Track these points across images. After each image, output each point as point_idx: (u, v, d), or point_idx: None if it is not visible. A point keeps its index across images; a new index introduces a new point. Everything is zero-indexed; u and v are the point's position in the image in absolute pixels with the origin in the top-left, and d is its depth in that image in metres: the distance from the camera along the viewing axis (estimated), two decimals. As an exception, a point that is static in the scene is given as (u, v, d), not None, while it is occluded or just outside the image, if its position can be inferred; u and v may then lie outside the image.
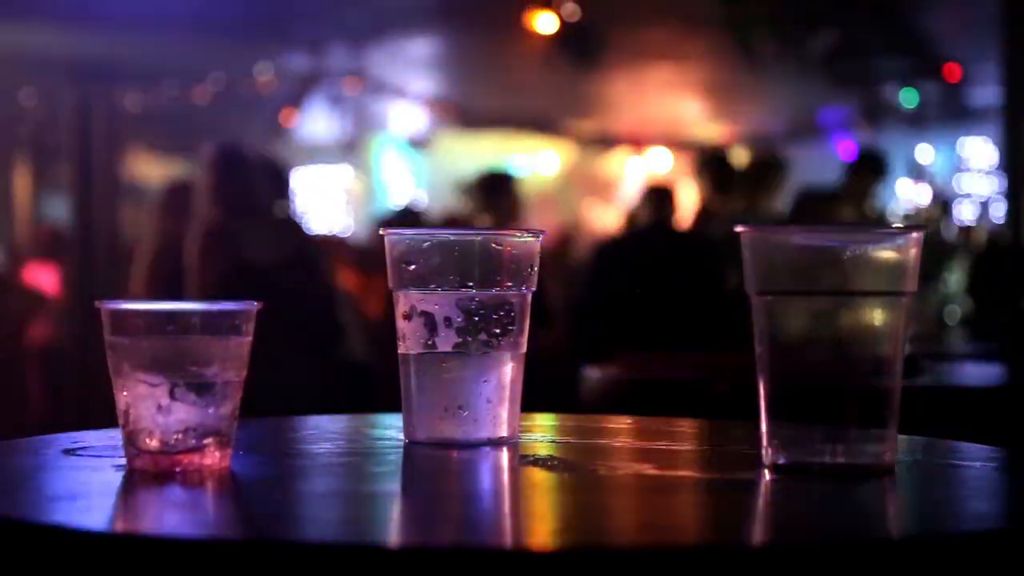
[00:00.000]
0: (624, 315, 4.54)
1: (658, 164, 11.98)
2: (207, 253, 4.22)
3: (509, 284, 1.34)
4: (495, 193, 5.39)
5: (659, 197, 5.12)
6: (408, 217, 5.78)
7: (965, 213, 9.01)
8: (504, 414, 1.34)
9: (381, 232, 1.37)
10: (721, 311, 4.50)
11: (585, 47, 7.88)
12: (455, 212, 6.18)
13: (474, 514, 1.06)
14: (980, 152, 10.58)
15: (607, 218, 10.55)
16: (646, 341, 4.12)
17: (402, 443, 1.36)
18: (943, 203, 7.23)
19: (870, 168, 6.01)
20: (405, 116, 11.15)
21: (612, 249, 5.18)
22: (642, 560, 0.87)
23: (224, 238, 4.23)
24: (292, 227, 4.50)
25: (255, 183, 4.41)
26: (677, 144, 12.15)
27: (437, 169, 11.34)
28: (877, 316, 1.16)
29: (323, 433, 1.51)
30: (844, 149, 9.35)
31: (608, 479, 1.18)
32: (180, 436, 1.16)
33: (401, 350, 1.36)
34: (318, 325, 4.31)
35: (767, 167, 5.73)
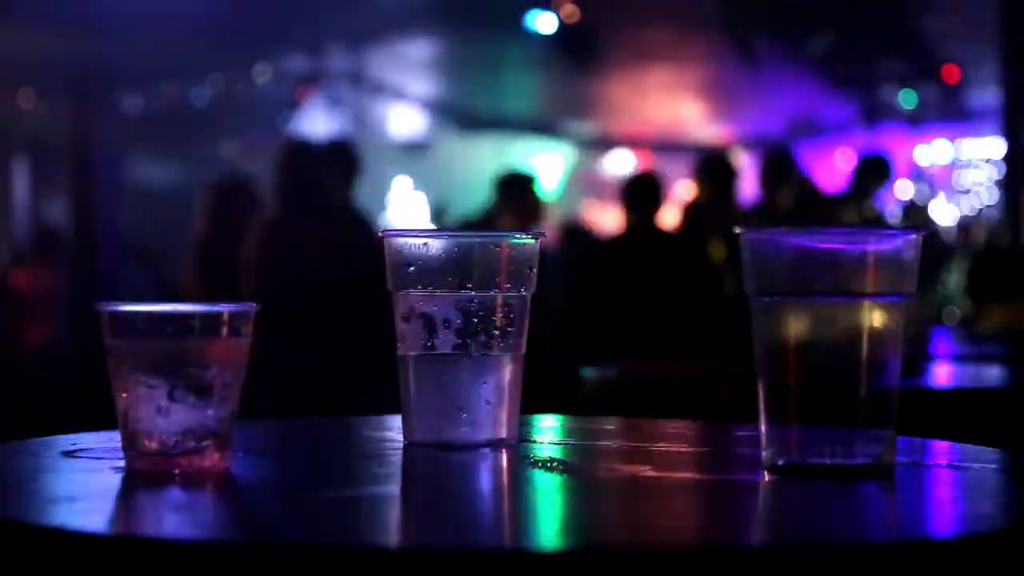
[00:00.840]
0: (609, 321, 4.45)
1: (631, 161, 11.98)
2: (263, 252, 4.20)
3: (508, 286, 1.34)
4: (516, 193, 5.33)
5: (639, 195, 4.95)
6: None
7: (964, 214, 9.01)
8: (503, 416, 1.34)
9: (380, 234, 1.37)
10: (711, 315, 4.44)
11: (584, 49, 7.88)
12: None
13: (474, 516, 1.06)
14: (979, 153, 10.58)
15: (607, 220, 10.55)
16: (635, 347, 4.05)
17: (401, 445, 1.36)
18: (923, 205, 7.24)
19: (874, 170, 6.02)
20: (404, 118, 11.16)
21: (595, 253, 5.05)
22: (641, 561, 0.87)
23: (282, 237, 4.21)
24: (359, 224, 4.39)
25: (321, 181, 4.33)
26: (676, 146, 12.16)
27: (436, 172, 11.34)
28: (876, 318, 1.16)
29: (322, 434, 1.51)
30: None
31: (608, 481, 1.18)
32: (179, 438, 1.16)
33: (400, 352, 1.35)
34: (372, 326, 4.24)
35: (779, 162, 5.70)
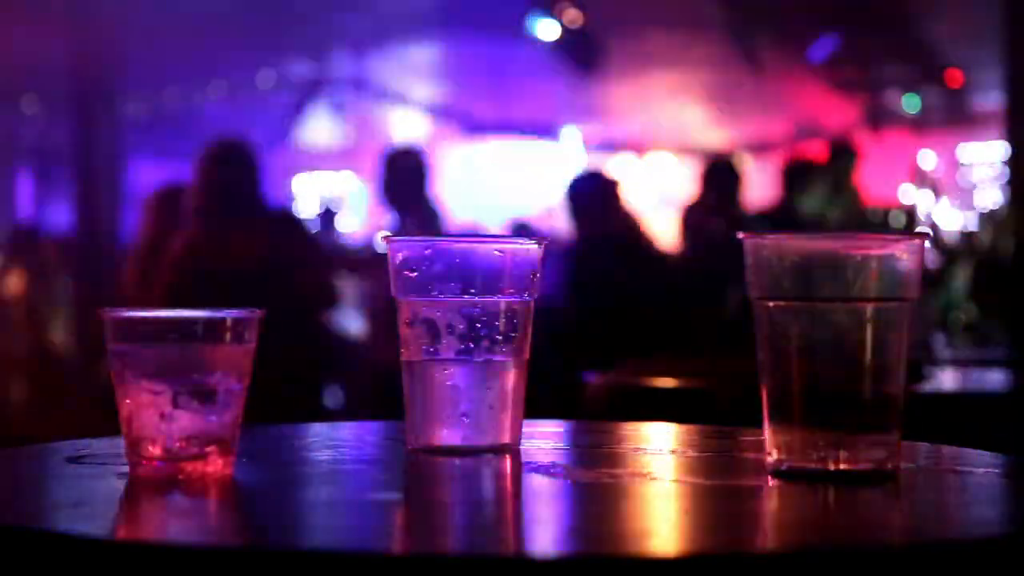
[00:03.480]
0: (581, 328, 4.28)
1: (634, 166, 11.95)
2: (179, 267, 4.05)
3: (511, 291, 1.34)
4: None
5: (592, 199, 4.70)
6: None
7: (968, 218, 9.00)
8: (507, 421, 1.34)
9: (383, 238, 1.37)
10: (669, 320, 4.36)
11: (587, 53, 7.88)
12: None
13: (477, 521, 1.06)
14: (983, 158, 10.57)
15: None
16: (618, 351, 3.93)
17: (404, 450, 1.36)
18: (927, 209, 7.23)
19: (844, 152, 6.05)
20: (407, 123, 11.15)
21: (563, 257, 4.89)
22: (645, 567, 0.87)
23: (199, 251, 4.03)
24: (286, 230, 4.25)
25: (246, 185, 4.16)
26: (680, 150, 12.14)
27: (439, 176, 11.32)
28: (880, 322, 1.16)
29: (325, 440, 1.51)
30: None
31: (611, 486, 1.18)
32: (183, 444, 1.16)
33: (404, 357, 1.35)
34: (300, 339, 4.12)
35: (801, 167, 5.68)
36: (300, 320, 4.12)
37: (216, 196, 4.12)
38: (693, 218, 5.57)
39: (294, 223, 4.43)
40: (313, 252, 4.32)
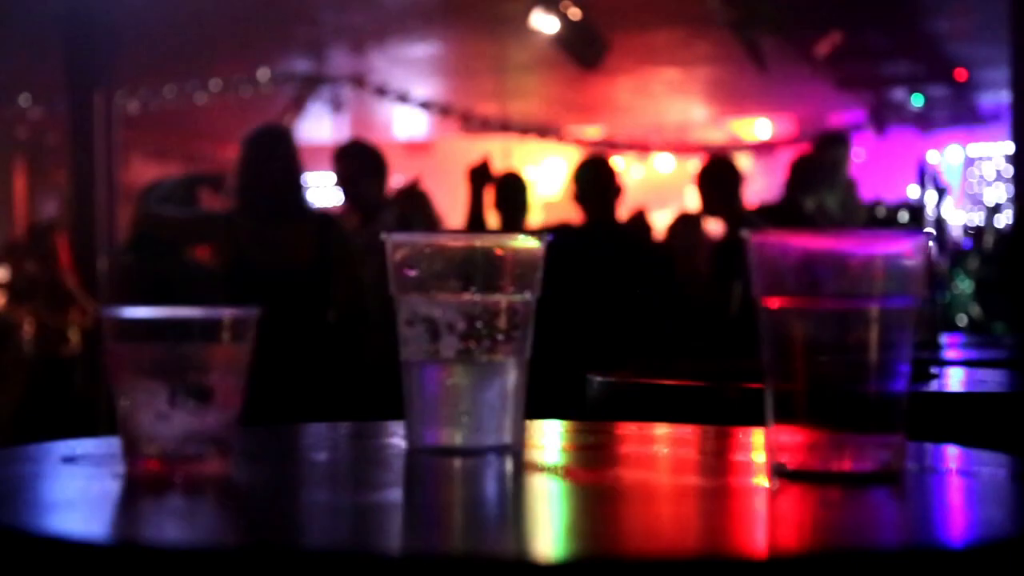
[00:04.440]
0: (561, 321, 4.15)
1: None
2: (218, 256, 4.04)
3: (512, 289, 1.32)
4: (508, 195, 5.28)
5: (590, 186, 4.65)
6: None
7: (974, 217, 9.00)
8: (508, 421, 1.33)
9: (384, 237, 1.35)
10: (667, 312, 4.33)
11: (589, 50, 7.87)
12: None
13: (477, 522, 1.05)
14: (989, 155, 10.57)
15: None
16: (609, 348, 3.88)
17: (404, 450, 1.35)
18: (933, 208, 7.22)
19: (836, 141, 6.04)
20: (407, 120, 11.16)
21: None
22: (647, 569, 0.86)
23: (242, 245, 3.99)
24: (323, 229, 4.12)
25: (288, 177, 4.08)
26: (682, 148, 12.14)
27: (439, 174, 11.33)
28: (885, 321, 1.15)
29: (325, 440, 1.50)
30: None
31: (613, 487, 1.17)
32: (180, 444, 1.15)
33: (403, 356, 1.34)
34: (322, 343, 4.07)
35: (808, 165, 5.66)
36: (314, 320, 4.09)
37: (260, 188, 4.05)
38: (683, 228, 5.58)
39: (340, 230, 4.30)
40: (354, 265, 4.21)
